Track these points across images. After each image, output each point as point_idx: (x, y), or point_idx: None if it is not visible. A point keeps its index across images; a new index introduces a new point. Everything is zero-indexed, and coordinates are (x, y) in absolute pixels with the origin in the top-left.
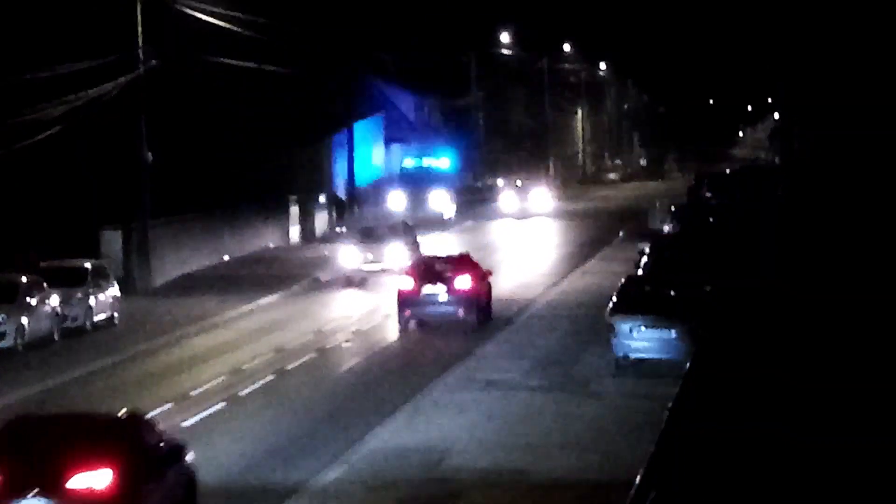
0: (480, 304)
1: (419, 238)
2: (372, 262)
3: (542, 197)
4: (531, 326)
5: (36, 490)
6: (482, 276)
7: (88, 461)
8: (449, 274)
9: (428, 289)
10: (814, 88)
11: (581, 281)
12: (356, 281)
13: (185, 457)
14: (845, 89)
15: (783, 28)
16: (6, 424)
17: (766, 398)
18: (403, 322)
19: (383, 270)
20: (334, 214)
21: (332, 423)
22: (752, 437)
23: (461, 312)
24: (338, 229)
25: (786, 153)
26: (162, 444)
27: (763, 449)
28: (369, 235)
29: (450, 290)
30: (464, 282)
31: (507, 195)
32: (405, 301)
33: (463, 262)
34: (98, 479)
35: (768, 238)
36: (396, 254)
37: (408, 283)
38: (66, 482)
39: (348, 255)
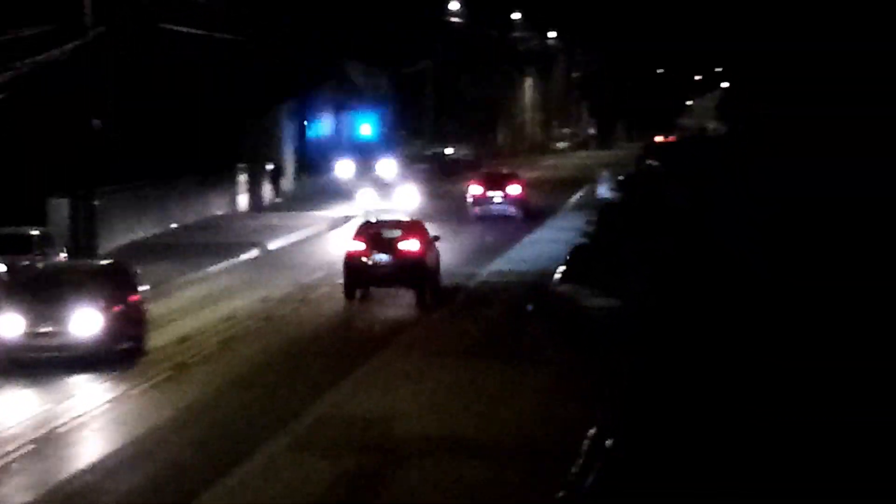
0: (427, 270)
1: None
2: None
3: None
4: (477, 296)
5: None
6: (429, 242)
7: None
8: (397, 239)
9: (376, 255)
10: (762, 59)
11: (528, 250)
12: None
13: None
14: (794, 61)
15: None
16: None
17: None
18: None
19: None
20: (271, 184)
21: (279, 393)
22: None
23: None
24: (275, 199)
25: (733, 123)
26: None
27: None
28: None
29: (396, 255)
30: (410, 246)
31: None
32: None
33: (412, 228)
34: None
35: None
36: None
37: (357, 248)
38: None
39: None
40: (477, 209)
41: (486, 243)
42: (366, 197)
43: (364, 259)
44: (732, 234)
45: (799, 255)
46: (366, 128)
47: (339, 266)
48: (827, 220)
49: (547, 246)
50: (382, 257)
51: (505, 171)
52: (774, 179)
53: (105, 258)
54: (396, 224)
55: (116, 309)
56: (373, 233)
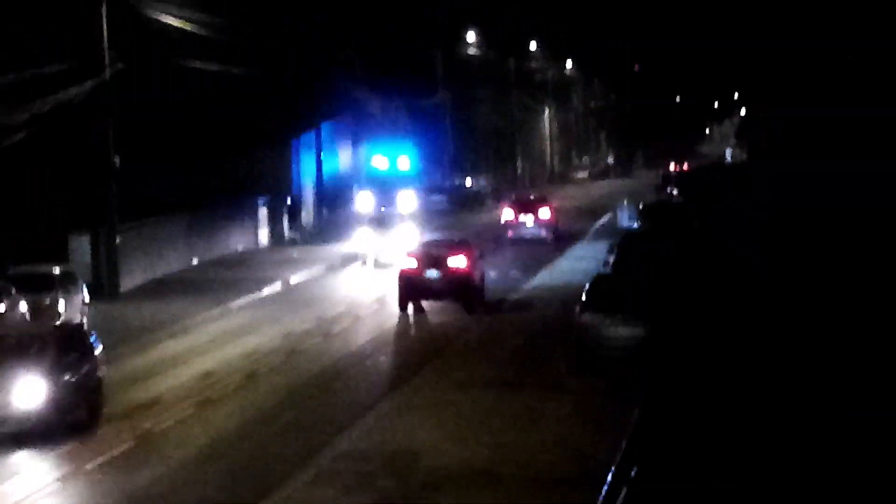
0: (474, 285)
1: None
2: None
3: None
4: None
5: None
6: (476, 259)
7: None
8: (446, 256)
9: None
10: (780, 85)
11: (549, 276)
12: None
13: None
14: (813, 87)
15: (749, 25)
16: None
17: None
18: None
19: None
20: (291, 218)
21: (302, 429)
22: (723, 434)
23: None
24: (290, 234)
25: (753, 149)
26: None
27: (736, 439)
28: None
29: (446, 271)
30: (459, 263)
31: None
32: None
33: (460, 246)
34: None
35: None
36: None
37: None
38: None
39: None
40: (511, 232)
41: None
42: (365, 235)
43: (417, 275)
44: (738, 239)
45: (799, 257)
46: (383, 160)
47: (359, 300)
48: (830, 227)
49: (572, 273)
50: (434, 273)
51: (535, 196)
52: (784, 192)
53: (66, 320)
54: (447, 243)
55: (66, 377)
56: (425, 251)
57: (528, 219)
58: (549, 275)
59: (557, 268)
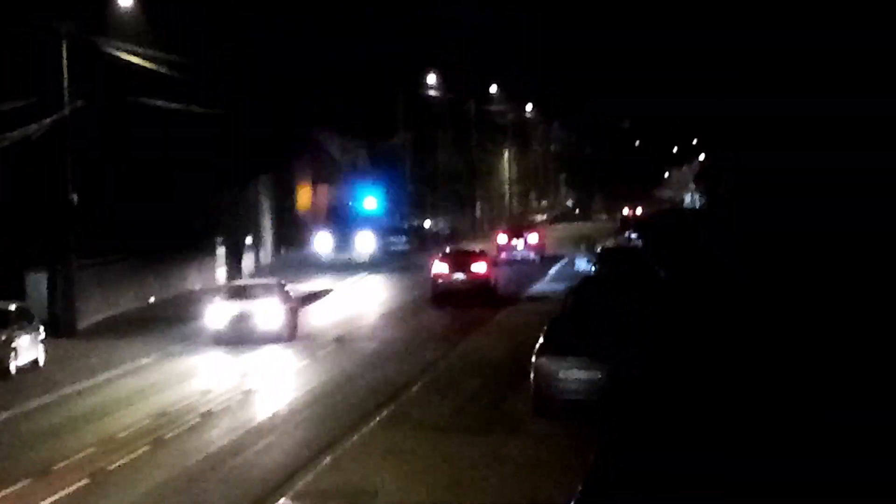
0: (491, 286)
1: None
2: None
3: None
4: (455, 368)
5: None
6: (492, 266)
7: None
8: (469, 262)
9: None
10: (738, 131)
11: (508, 321)
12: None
13: None
14: (771, 133)
15: (707, 71)
16: None
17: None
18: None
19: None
20: (244, 258)
21: (256, 468)
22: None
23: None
24: (254, 272)
25: (711, 195)
26: None
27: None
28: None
29: (469, 274)
30: (480, 268)
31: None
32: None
33: (481, 255)
34: None
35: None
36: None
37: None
38: None
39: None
40: (503, 254)
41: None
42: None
43: (447, 277)
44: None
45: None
46: (343, 201)
47: (318, 337)
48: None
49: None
50: (460, 275)
51: (525, 224)
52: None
53: None
54: (469, 252)
55: None
56: (453, 258)
57: (518, 243)
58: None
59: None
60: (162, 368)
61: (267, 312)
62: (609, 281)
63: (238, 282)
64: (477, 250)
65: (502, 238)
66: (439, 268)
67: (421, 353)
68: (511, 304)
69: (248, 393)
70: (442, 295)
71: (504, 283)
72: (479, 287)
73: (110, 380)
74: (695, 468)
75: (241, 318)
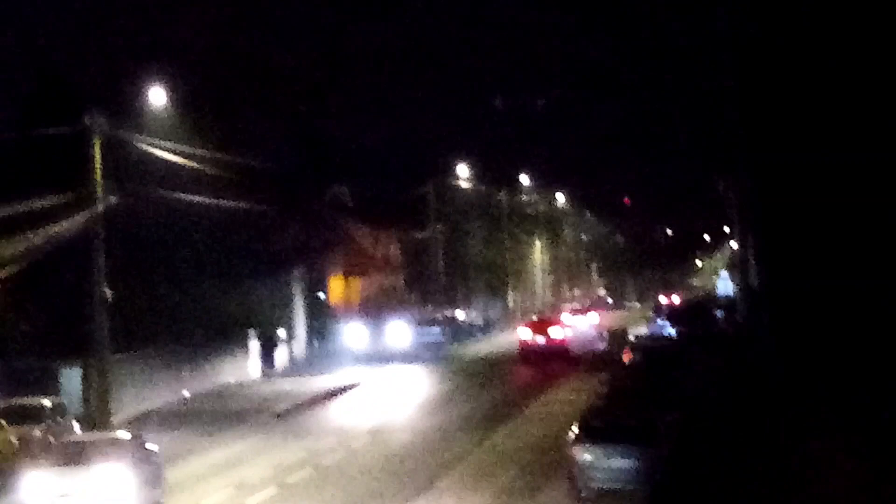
0: (567, 348)
1: None
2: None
3: None
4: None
5: None
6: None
7: None
8: (547, 328)
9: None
10: (769, 221)
11: (543, 409)
12: None
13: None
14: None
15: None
16: None
17: None
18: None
19: None
20: (277, 351)
21: None
22: None
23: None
24: (287, 365)
25: (744, 283)
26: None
27: None
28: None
29: (548, 339)
30: (556, 332)
31: None
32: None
33: (557, 321)
34: None
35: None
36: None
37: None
38: None
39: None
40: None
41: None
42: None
43: (531, 340)
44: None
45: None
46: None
47: (351, 432)
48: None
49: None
50: (540, 339)
51: (549, 317)
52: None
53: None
54: (547, 319)
55: None
56: (535, 325)
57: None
58: None
59: None
60: None
61: (105, 487)
62: (643, 370)
63: (71, 436)
64: (553, 317)
65: (524, 333)
66: (524, 333)
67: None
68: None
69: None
70: (526, 354)
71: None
72: (556, 348)
73: None
74: None
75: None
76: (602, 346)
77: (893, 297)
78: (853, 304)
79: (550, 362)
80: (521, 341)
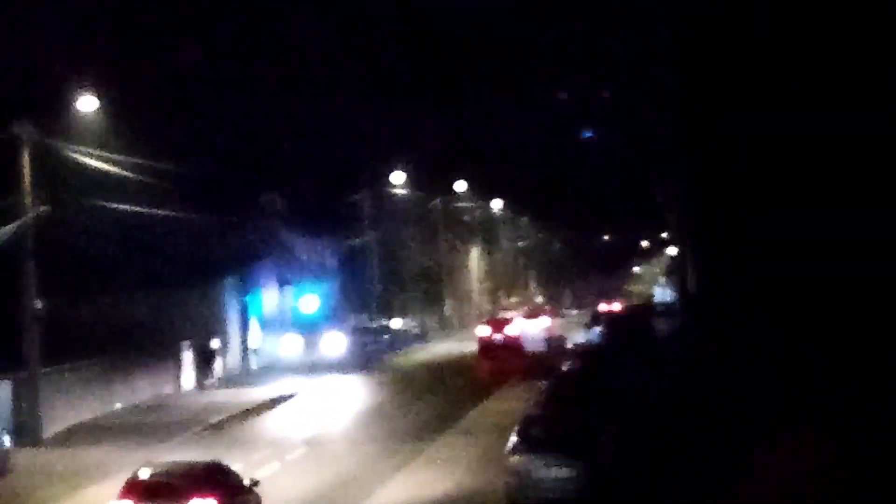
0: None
1: None
2: None
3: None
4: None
5: None
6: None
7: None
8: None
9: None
10: (707, 226)
11: (481, 419)
12: None
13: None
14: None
15: (670, 167)
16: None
17: None
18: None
19: None
20: (215, 361)
21: None
22: None
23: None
24: (215, 377)
25: (682, 290)
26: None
27: None
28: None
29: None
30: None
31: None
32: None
33: (510, 321)
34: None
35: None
36: None
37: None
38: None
39: None
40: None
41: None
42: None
43: (489, 338)
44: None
45: None
46: (310, 302)
47: (286, 443)
48: None
49: None
50: (498, 336)
51: (506, 317)
52: None
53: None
54: (505, 319)
55: None
56: (494, 323)
57: (497, 336)
58: None
59: None
60: None
61: None
62: (580, 377)
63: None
64: (509, 317)
65: (483, 330)
66: (483, 331)
67: None
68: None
69: None
70: (484, 351)
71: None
72: (512, 345)
73: (79, 487)
74: None
75: None
76: (561, 340)
77: (833, 296)
78: (792, 306)
79: (497, 361)
80: (480, 338)
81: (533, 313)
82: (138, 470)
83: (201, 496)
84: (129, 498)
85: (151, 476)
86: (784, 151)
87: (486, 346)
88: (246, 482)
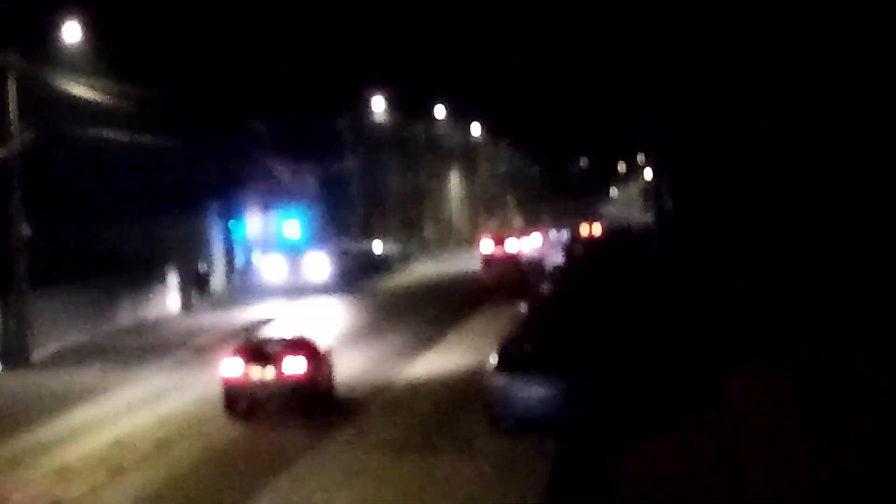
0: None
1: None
2: None
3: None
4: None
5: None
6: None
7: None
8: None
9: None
10: (682, 151)
11: (462, 339)
12: None
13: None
14: (715, 152)
15: (649, 88)
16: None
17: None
18: None
19: None
20: (201, 284)
21: (217, 490)
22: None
23: None
24: (201, 300)
25: (658, 212)
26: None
27: None
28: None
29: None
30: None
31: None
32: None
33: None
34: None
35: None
36: None
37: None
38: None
39: None
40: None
41: None
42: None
43: (493, 251)
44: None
45: None
46: (294, 226)
47: None
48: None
49: None
50: (499, 251)
51: (505, 232)
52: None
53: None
54: (504, 235)
55: None
56: (494, 238)
57: (498, 249)
58: None
59: None
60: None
61: None
62: (562, 298)
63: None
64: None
65: (486, 246)
66: (486, 246)
67: None
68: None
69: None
70: (488, 263)
71: None
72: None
73: (66, 408)
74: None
75: None
76: (558, 259)
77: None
78: (769, 231)
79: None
80: (483, 254)
81: (526, 231)
82: (244, 339)
83: (293, 354)
84: (240, 356)
85: (256, 343)
86: (758, 82)
87: (490, 260)
88: (322, 349)
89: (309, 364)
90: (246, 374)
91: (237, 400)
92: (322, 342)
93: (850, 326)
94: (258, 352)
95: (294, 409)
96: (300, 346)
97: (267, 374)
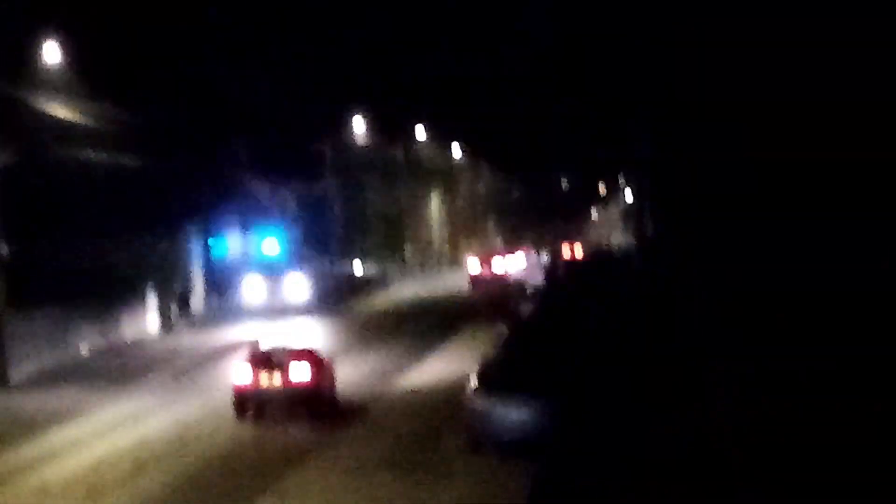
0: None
1: None
2: None
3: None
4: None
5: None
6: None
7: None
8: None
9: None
10: (664, 171)
11: (443, 361)
12: None
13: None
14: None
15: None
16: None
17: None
18: None
19: None
20: (180, 305)
21: None
22: None
23: None
24: (180, 321)
25: (639, 234)
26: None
27: None
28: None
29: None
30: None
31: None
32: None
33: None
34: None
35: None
36: None
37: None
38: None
39: None
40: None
41: None
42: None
43: (481, 271)
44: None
45: None
46: (273, 246)
47: None
48: None
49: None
50: (486, 271)
51: (491, 251)
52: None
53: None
54: (490, 255)
55: None
56: (482, 258)
57: (486, 270)
58: None
59: None
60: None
61: None
62: (540, 320)
63: None
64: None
65: (473, 267)
66: (473, 266)
67: None
68: None
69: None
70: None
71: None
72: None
73: (45, 430)
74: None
75: None
76: (539, 280)
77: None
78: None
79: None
80: (471, 274)
81: (511, 251)
82: (254, 348)
83: (298, 360)
84: (250, 364)
85: (264, 351)
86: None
87: (477, 280)
88: (325, 359)
89: (314, 371)
90: (255, 381)
91: (246, 404)
92: (325, 352)
93: (841, 341)
94: (267, 360)
95: (300, 414)
96: (306, 355)
97: (275, 380)
